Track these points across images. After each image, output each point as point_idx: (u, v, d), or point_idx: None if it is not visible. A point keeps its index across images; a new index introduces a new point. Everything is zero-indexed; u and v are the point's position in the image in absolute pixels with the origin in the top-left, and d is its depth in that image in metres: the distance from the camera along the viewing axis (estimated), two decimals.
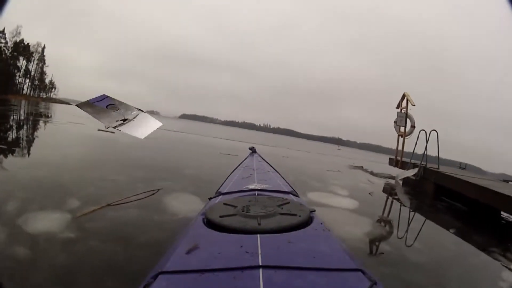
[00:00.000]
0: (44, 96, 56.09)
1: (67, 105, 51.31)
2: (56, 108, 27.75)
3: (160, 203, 2.65)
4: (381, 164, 15.14)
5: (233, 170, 2.46)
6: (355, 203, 3.97)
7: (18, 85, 52.39)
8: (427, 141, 7.96)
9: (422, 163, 7.80)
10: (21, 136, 6.68)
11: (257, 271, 0.71)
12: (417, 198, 6.23)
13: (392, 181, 8.60)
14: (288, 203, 1.20)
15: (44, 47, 54.75)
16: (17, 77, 52.31)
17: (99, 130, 8.97)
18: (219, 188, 1.82)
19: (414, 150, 8.46)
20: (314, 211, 1.14)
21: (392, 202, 5.05)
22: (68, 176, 3.32)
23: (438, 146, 8.06)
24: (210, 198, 1.59)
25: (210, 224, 1.04)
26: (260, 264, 0.74)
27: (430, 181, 7.15)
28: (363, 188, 5.94)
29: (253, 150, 3.49)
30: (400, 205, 4.88)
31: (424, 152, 8.02)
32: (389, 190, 6.74)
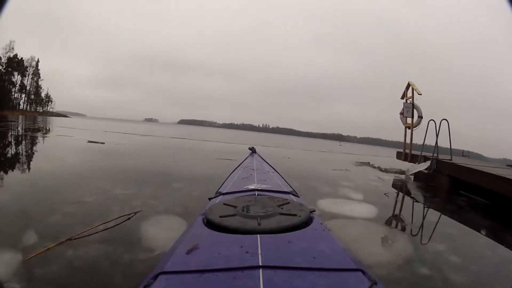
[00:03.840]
0: (41, 110, 55.69)
1: (64, 118, 51.52)
2: (52, 121, 27.30)
3: (135, 232, 2.08)
4: (387, 158, 14.66)
5: (233, 170, 2.45)
6: (373, 210, 3.45)
7: (14, 101, 52.16)
8: (437, 132, 7.49)
9: (434, 155, 7.32)
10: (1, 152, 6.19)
11: (257, 271, 0.71)
12: (433, 194, 5.75)
13: (402, 176, 8.13)
14: (288, 203, 1.20)
15: (38, 61, 54.48)
16: (13, 93, 52.10)
17: (89, 141, 8.94)
18: (219, 188, 1.80)
19: (424, 141, 7.95)
20: (314, 211, 1.13)
21: (412, 203, 4.53)
22: (35, 198, 2.80)
23: (449, 136, 7.60)
24: (210, 199, 1.56)
25: (210, 224, 1.03)
26: (260, 264, 0.73)
27: (444, 174, 6.70)
28: (376, 188, 5.43)
29: (253, 150, 3.51)
30: (424, 207, 4.39)
31: (436, 144, 7.54)
32: (403, 188, 6.26)
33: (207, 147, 12.17)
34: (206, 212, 1.12)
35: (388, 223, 3.11)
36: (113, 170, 4.78)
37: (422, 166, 7.33)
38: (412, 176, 7.76)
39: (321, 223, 1.04)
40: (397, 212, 3.76)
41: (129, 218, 2.35)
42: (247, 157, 3.20)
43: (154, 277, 0.72)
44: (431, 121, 7.88)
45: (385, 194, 4.78)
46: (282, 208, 1.12)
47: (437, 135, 7.57)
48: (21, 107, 52.62)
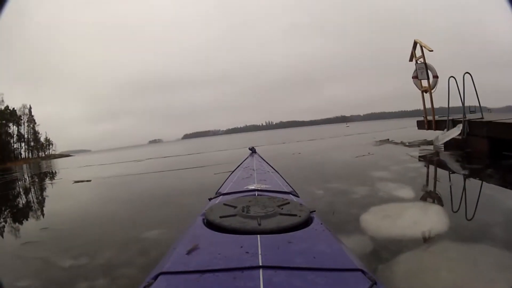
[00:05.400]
0: (43, 155, 55.57)
1: (67, 157, 51.32)
2: (50, 165, 26.78)
3: None
4: (404, 130, 13.56)
5: (233, 171, 2.43)
6: (440, 211, 2.37)
7: (15, 151, 52.20)
8: (463, 87, 6.39)
9: (463, 116, 6.23)
10: None
11: (257, 271, 0.70)
12: (479, 163, 4.71)
13: (431, 147, 7.05)
14: (288, 203, 1.18)
15: (30, 107, 54.47)
16: (12, 143, 52.12)
17: (75, 182, 8.25)
18: (219, 188, 1.79)
19: (448, 103, 6.85)
20: (314, 211, 1.10)
21: (479, 185, 3.46)
22: None
23: (476, 91, 6.51)
24: (210, 199, 1.53)
25: (210, 224, 1.02)
26: (260, 264, 0.73)
27: (481, 136, 5.67)
28: (417, 171, 4.38)
29: (253, 151, 3.47)
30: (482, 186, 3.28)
31: (463, 102, 6.45)
32: (444, 164, 5.21)
33: (207, 160, 11.13)
34: (206, 212, 1.11)
35: (462, 228, 2.06)
36: (79, 217, 3.81)
37: (455, 132, 6.25)
38: (443, 146, 6.69)
39: (321, 223, 1.02)
40: (462, 206, 2.66)
41: None
42: (247, 157, 3.15)
43: (154, 278, 0.71)
44: (452, 78, 6.82)
45: (435, 180, 3.67)
46: (282, 208, 1.10)
47: (463, 92, 6.49)
48: (23, 155, 52.66)
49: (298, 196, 1.58)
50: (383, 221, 2.27)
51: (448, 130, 6.61)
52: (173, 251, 0.86)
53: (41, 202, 6.12)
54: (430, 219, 2.25)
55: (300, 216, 1.02)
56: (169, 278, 0.71)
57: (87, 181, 8.17)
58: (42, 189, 8.63)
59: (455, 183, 3.76)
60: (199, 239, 0.90)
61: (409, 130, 8.73)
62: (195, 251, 0.82)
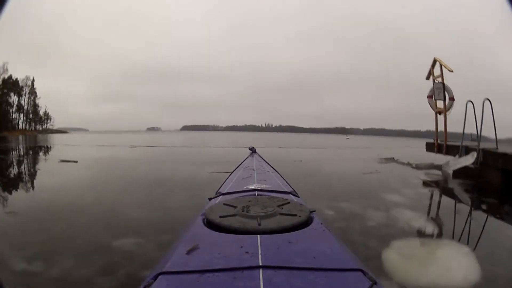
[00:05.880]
0: (40, 129, 54.99)
1: (64, 134, 50.70)
2: (47, 140, 26.33)
3: None
4: (408, 149, 13.24)
5: (233, 171, 2.41)
6: (469, 254, 2.01)
7: (13, 121, 51.68)
8: (482, 114, 6.06)
9: (476, 144, 5.90)
10: None
11: (257, 271, 0.70)
12: (495, 198, 4.40)
13: (438, 172, 6.74)
14: (288, 203, 1.18)
15: (33, 80, 53.76)
16: (11, 113, 51.61)
17: (61, 161, 7.99)
18: (219, 188, 1.77)
19: (464, 128, 6.52)
20: (314, 211, 1.10)
21: (498, 225, 3.14)
22: None
23: (493, 119, 6.18)
24: (210, 199, 1.52)
25: (210, 224, 1.02)
26: (260, 264, 0.73)
27: (495, 168, 5.30)
28: (433, 199, 4.09)
29: (253, 151, 3.46)
30: None
31: (479, 130, 6.12)
32: (460, 195, 4.92)
33: (202, 156, 10.75)
34: (206, 212, 1.11)
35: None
36: (57, 209, 3.32)
37: (469, 160, 5.89)
38: (451, 172, 6.36)
39: (321, 223, 1.02)
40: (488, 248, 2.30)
41: None
42: (247, 157, 3.15)
43: (154, 277, 0.71)
44: (469, 102, 6.49)
45: (455, 212, 3.30)
46: (282, 208, 1.10)
47: (481, 119, 6.15)
48: (20, 127, 52.15)
49: (298, 196, 1.57)
50: (410, 264, 1.89)
51: (460, 156, 6.26)
52: (173, 251, 0.86)
53: (18, 180, 5.80)
54: (463, 265, 1.88)
55: (300, 216, 1.02)
56: (169, 278, 0.70)
57: (74, 161, 7.92)
58: (26, 164, 8.37)
59: (477, 219, 3.40)
60: (199, 239, 0.89)
61: (413, 150, 8.47)
62: (195, 251, 0.82)
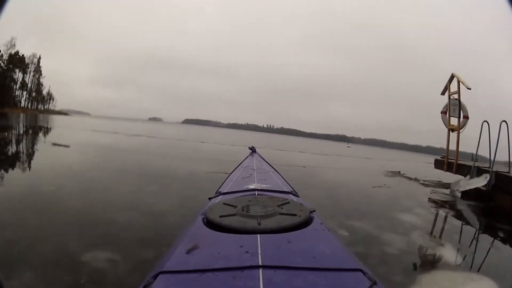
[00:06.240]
0: (42, 108, 54.73)
1: (64, 116, 50.48)
2: (47, 121, 26.02)
3: None
4: (411, 163, 13.06)
5: (233, 170, 2.40)
6: None
7: (16, 98, 51.35)
8: (498, 137, 5.80)
9: (489, 166, 5.64)
10: None
11: (257, 271, 0.69)
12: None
13: (446, 191, 6.49)
14: (288, 203, 1.17)
15: (39, 57, 53.49)
16: (14, 90, 51.27)
17: (54, 144, 7.81)
18: (219, 188, 1.77)
19: (478, 148, 6.23)
20: (314, 211, 1.09)
21: None
22: None
23: (509, 142, 5.91)
24: (210, 198, 1.51)
25: (210, 224, 1.01)
26: (260, 264, 0.72)
27: (507, 192, 5.09)
28: (449, 223, 3.82)
29: (253, 150, 3.45)
30: None
31: (495, 152, 5.85)
32: (477, 219, 4.69)
33: (202, 152, 10.47)
34: (206, 211, 1.09)
35: None
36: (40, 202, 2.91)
37: (481, 182, 5.61)
38: (460, 192, 6.10)
39: (321, 223, 1.01)
40: None
41: None
42: (247, 156, 3.14)
43: (154, 277, 0.71)
44: (485, 122, 6.24)
45: (477, 240, 3.00)
46: (282, 208, 1.09)
47: (497, 140, 5.88)
48: (22, 104, 51.88)
49: (298, 196, 1.57)
50: None
51: (472, 177, 5.99)
52: (172, 250, 0.86)
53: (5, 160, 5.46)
54: None
55: (300, 216, 1.01)
56: (168, 277, 0.70)
57: (65, 146, 7.78)
58: (15, 144, 8.03)
59: (499, 248, 3.11)
60: (199, 238, 0.89)
61: (416, 165, 8.22)
62: (195, 250, 0.81)
